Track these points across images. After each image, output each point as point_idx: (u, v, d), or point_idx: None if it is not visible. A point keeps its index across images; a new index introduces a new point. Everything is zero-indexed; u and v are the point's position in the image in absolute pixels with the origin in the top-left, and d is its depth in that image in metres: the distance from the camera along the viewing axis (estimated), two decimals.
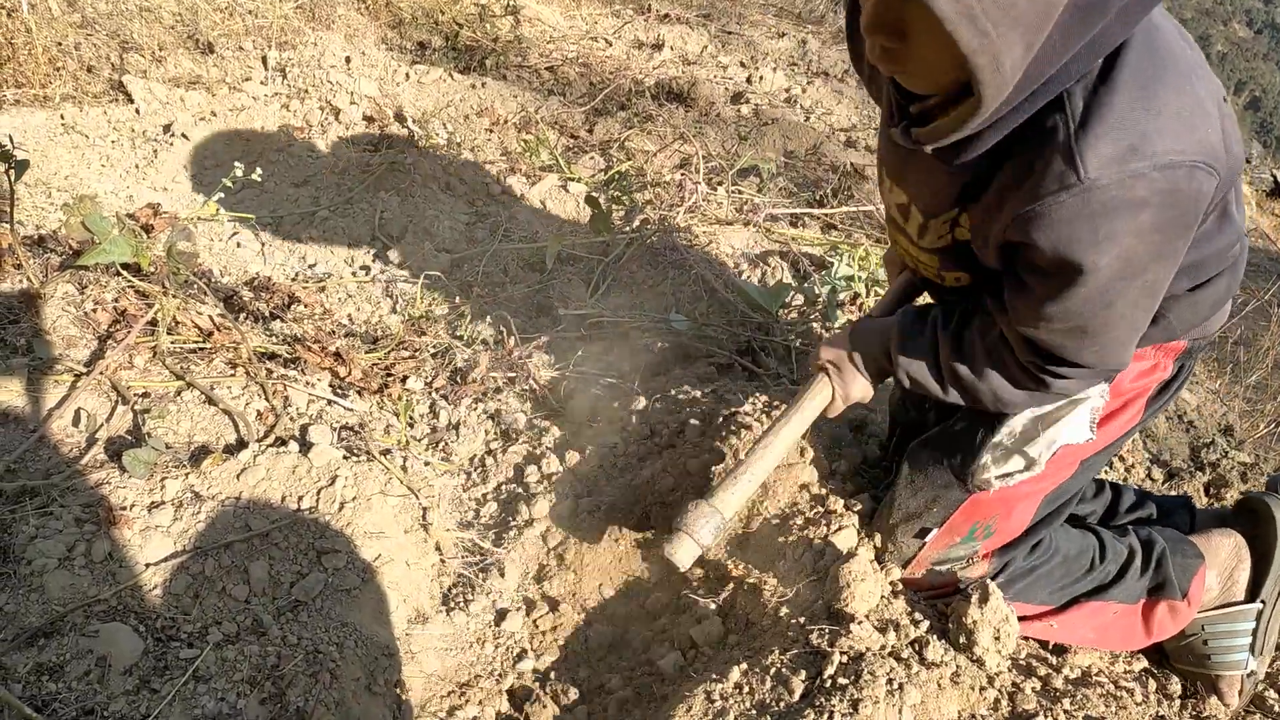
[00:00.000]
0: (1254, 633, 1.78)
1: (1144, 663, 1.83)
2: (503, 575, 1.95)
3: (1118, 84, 1.16)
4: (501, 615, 1.91)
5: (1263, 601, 1.80)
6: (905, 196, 1.53)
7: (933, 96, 1.27)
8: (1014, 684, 1.61)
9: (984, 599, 1.61)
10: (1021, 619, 1.70)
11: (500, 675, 1.81)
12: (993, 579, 1.69)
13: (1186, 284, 1.48)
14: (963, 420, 1.70)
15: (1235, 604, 1.80)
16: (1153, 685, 1.75)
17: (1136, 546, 1.79)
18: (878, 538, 1.80)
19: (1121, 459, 2.47)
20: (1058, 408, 1.57)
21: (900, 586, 1.75)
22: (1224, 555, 1.82)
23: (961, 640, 1.62)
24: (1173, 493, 2.40)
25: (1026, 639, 1.77)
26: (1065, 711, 1.55)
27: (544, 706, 1.73)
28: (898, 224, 1.61)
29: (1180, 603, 1.75)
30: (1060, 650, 1.79)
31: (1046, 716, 1.52)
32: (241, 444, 1.92)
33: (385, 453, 2.06)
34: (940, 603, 1.75)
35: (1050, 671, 1.67)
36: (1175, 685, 1.78)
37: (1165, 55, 1.19)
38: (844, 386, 1.72)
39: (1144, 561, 1.77)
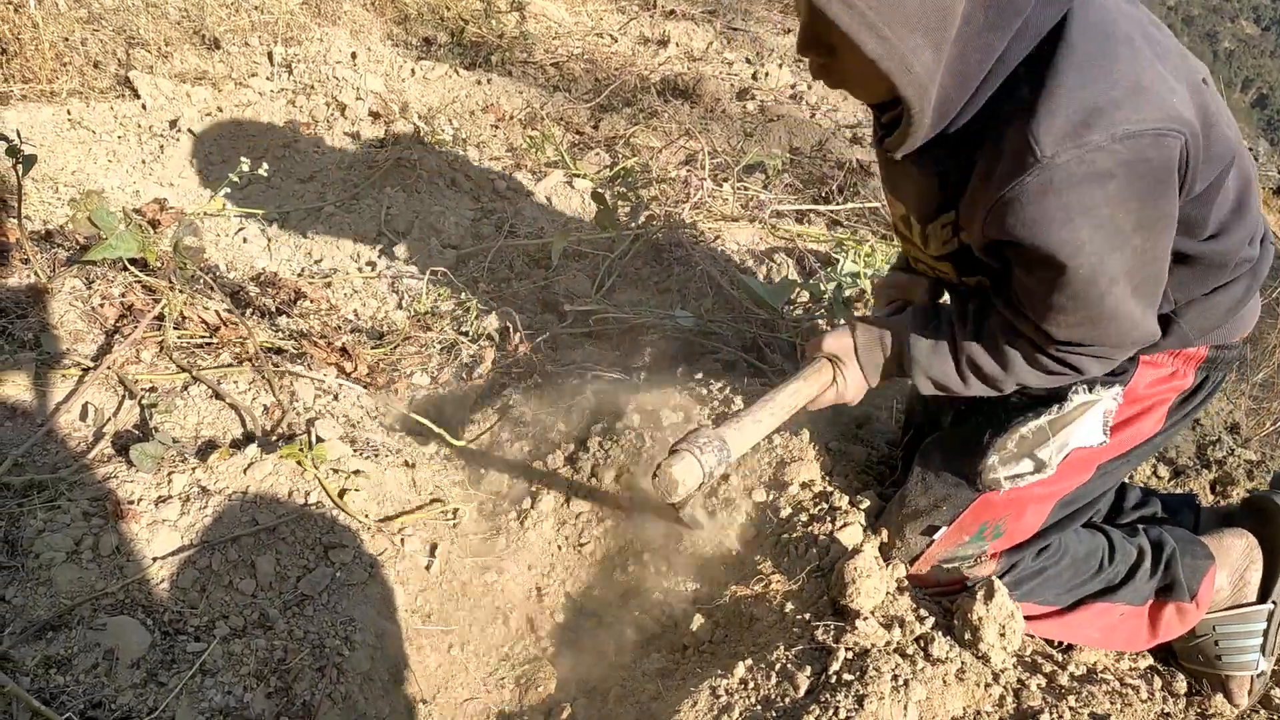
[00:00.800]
0: (1265, 633, 1.77)
1: (1149, 660, 1.83)
2: (509, 570, 1.95)
3: (1060, 64, 1.18)
4: (510, 609, 1.91)
5: (1274, 602, 1.79)
6: (903, 207, 1.57)
7: (898, 105, 1.30)
8: (1019, 681, 1.61)
9: (989, 595, 1.61)
10: (1027, 618, 1.69)
11: (510, 668, 1.81)
12: (1000, 578, 1.68)
13: (1201, 288, 1.48)
14: (974, 421, 1.70)
15: (1247, 605, 1.79)
16: (1158, 683, 1.75)
17: (1146, 547, 1.77)
18: (884, 534, 1.80)
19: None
20: (1070, 410, 1.56)
21: (906, 583, 1.75)
22: (1235, 556, 1.81)
23: (967, 636, 1.62)
24: (1178, 490, 2.40)
25: (1032, 636, 1.77)
26: (1070, 708, 1.55)
27: (552, 699, 1.73)
28: (906, 236, 1.64)
29: (1189, 604, 1.74)
30: (1066, 647, 1.79)
31: (1051, 713, 1.52)
32: (248, 438, 1.93)
33: (397, 447, 2.07)
34: (946, 600, 1.75)
35: (1055, 668, 1.67)
36: (1181, 683, 1.78)
37: (1108, 29, 1.20)
38: (844, 381, 1.67)
39: (1153, 563, 1.76)
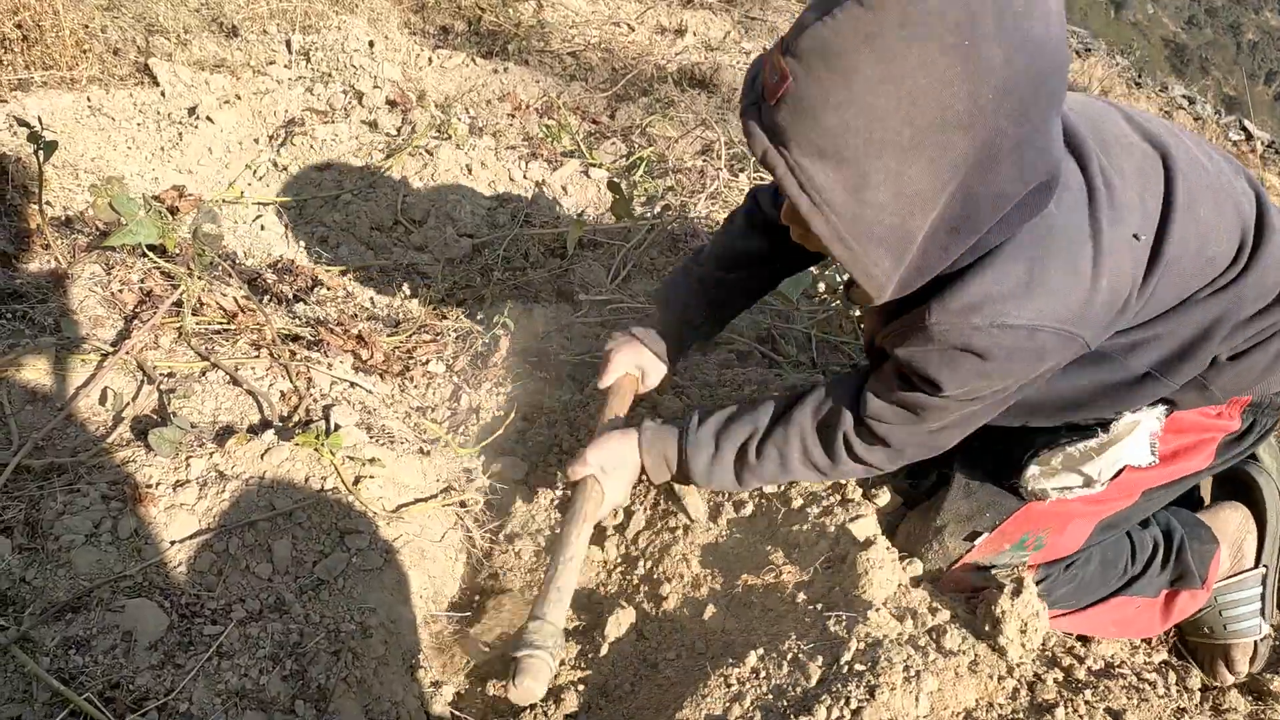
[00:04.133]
0: (1262, 596, 1.83)
1: (1165, 655, 1.82)
2: (522, 556, 1.96)
3: (983, 266, 1.33)
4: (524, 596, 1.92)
5: (1265, 566, 1.84)
6: (869, 330, 1.69)
7: None
8: (1035, 674, 1.61)
9: (1018, 591, 1.60)
10: (1049, 617, 1.70)
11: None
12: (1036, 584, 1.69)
13: (1224, 354, 1.52)
14: (1017, 429, 1.69)
15: (1242, 572, 1.84)
16: (1174, 678, 1.74)
17: (1159, 539, 1.80)
18: (912, 532, 1.79)
19: None
20: (1119, 429, 1.58)
21: (920, 579, 1.75)
22: (1233, 529, 1.86)
23: (987, 627, 1.61)
24: None
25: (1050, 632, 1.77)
26: (1086, 702, 1.54)
27: (566, 686, 1.74)
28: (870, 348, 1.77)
29: (1200, 590, 1.77)
30: (1084, 641, 1.79)
31: (1067, 707, 1.52)
32: (265, 424, 1.94)
33: (412, 436, 2.07)
34: (974, 600, 1.74)
35: (1073, 662, 1.67)
36: (1195, 679, 1.77)
37: (1046, 238, 1.32)
38: (611, 490, 1.81)
39: (1165, 554, 1.78)
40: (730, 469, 1.75)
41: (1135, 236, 1.37)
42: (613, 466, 1.81)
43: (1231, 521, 1.87)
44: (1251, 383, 1.56)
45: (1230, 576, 1.84)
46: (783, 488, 1.93)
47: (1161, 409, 1.58)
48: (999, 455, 1.71)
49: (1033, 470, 1.64)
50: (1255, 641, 1.80)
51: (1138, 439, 1.58)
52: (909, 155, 1.17)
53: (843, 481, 1.92)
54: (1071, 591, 1.73)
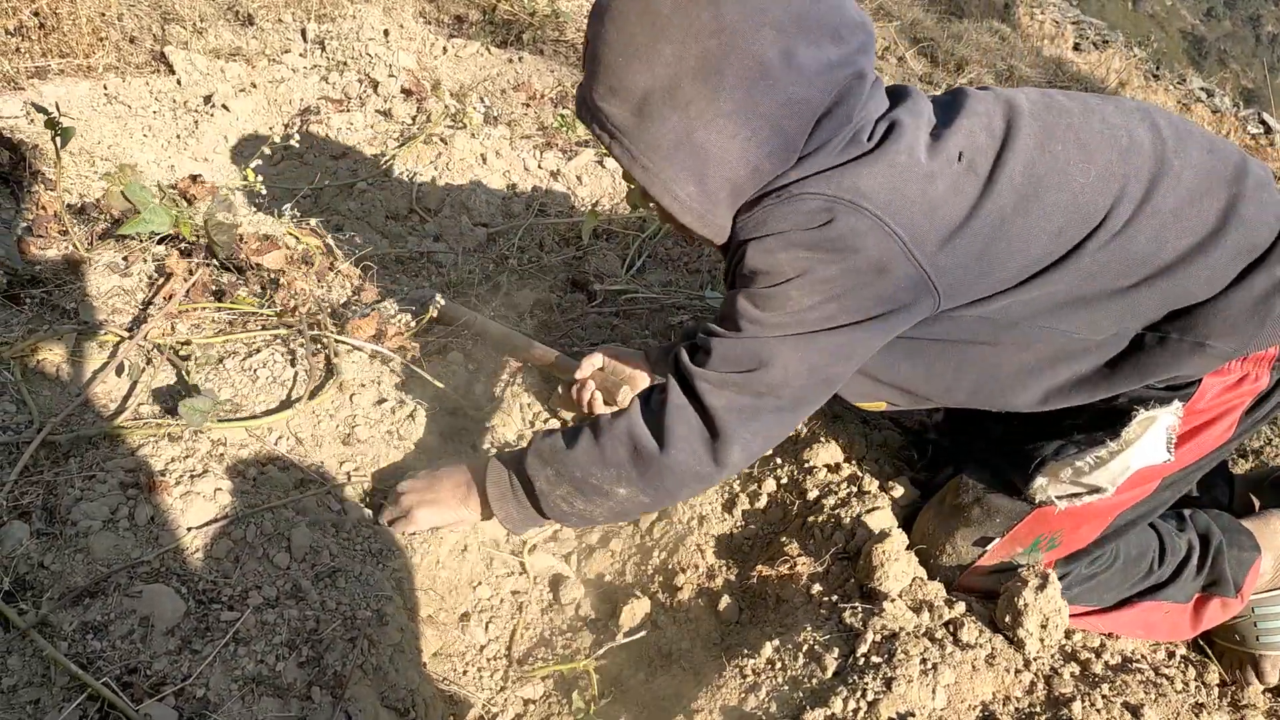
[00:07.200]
0: None
1: (1183, 650, 1.81)
2: (536, 547, 1.96)
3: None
4: (538, 586, 1.92)
5: None
6: None
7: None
8: (1052, 668, 1.60)
9: (1042, 586, 1.58)
10: (1071, 616, 1.66)
11: (541, 645, 1.82)
12: None
13: (1202, 294, 1.42)
14: (1023, 432, 1.64)
15: None
16: (1192, 673, 1.73)
17: (1195, 543, 1.74)
18: (925, 534, 1.76)
19: None
20: (1131, 434, 1.50)
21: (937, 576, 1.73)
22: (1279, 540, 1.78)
23: (1007, 619, 1.60)
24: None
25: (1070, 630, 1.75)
26: (1104, 697, 1.53)
27: (581, 675, 1.74)
28: None
29: (1233, 599, 1.72)
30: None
31: (1084, 701, 1.51)
32: (284, 409, 1.94)
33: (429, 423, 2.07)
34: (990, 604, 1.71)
35: (1090, 656, 1.65)
36: (1213, 674, 1.76)
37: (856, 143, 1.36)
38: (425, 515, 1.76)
39: (1200, 559, 1.72)
40: (568, 481, 1.59)
41: (959, 155, 1.36)
42: (428, 488, 1.76)
43: (1279, 532, 1.79)
44: (1244, 323, 1.42)
45: (1272, 590, 1.77)
46: (798, 478, 1.92)
47: (1178, 403, 1.49)
48: (1006, 461, 1.65)
49: (1040, 482, 1.58)
50: None
51: (1152, 438, 1.49)
52: (653, 55, 1.26)
53: (859, 473, 1.91)
54: (1091, 590, 1.69)
